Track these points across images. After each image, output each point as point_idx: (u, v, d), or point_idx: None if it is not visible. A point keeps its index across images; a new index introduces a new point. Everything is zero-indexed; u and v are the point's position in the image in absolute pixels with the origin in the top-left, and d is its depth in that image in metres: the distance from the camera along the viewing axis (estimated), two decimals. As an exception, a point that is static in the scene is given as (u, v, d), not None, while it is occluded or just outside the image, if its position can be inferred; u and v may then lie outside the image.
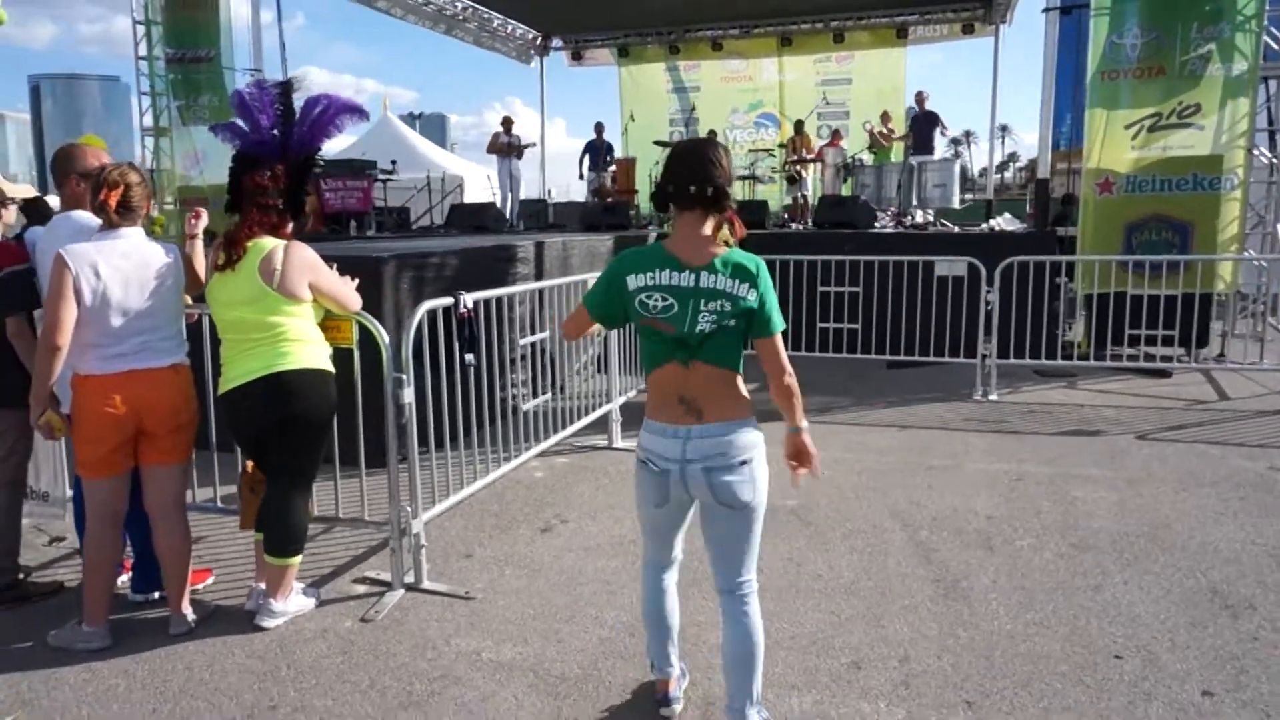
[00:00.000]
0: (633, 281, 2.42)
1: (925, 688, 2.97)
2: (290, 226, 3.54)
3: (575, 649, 3.28)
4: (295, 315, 3.40)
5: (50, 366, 3.09)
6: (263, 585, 3.52)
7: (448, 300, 4.08)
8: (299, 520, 3.51)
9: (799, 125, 13.54)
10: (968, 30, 14.98)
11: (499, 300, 4.77)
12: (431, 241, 7.56)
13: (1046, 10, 8.74)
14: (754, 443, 2.47)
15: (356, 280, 3.86)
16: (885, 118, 12.64)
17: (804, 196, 12.81)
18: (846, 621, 3.45)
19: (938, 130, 11.46)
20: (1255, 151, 8.48)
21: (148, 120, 11.57)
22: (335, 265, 3.74)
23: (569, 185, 24.62)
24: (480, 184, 19.76)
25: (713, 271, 2.36)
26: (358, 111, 3.64)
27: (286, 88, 3.61)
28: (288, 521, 3.47)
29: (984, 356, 7.43)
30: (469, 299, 4.13)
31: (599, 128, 14.11)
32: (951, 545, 4.21)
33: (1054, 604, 3.58)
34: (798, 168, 13.13)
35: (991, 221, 9.52)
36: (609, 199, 13.89)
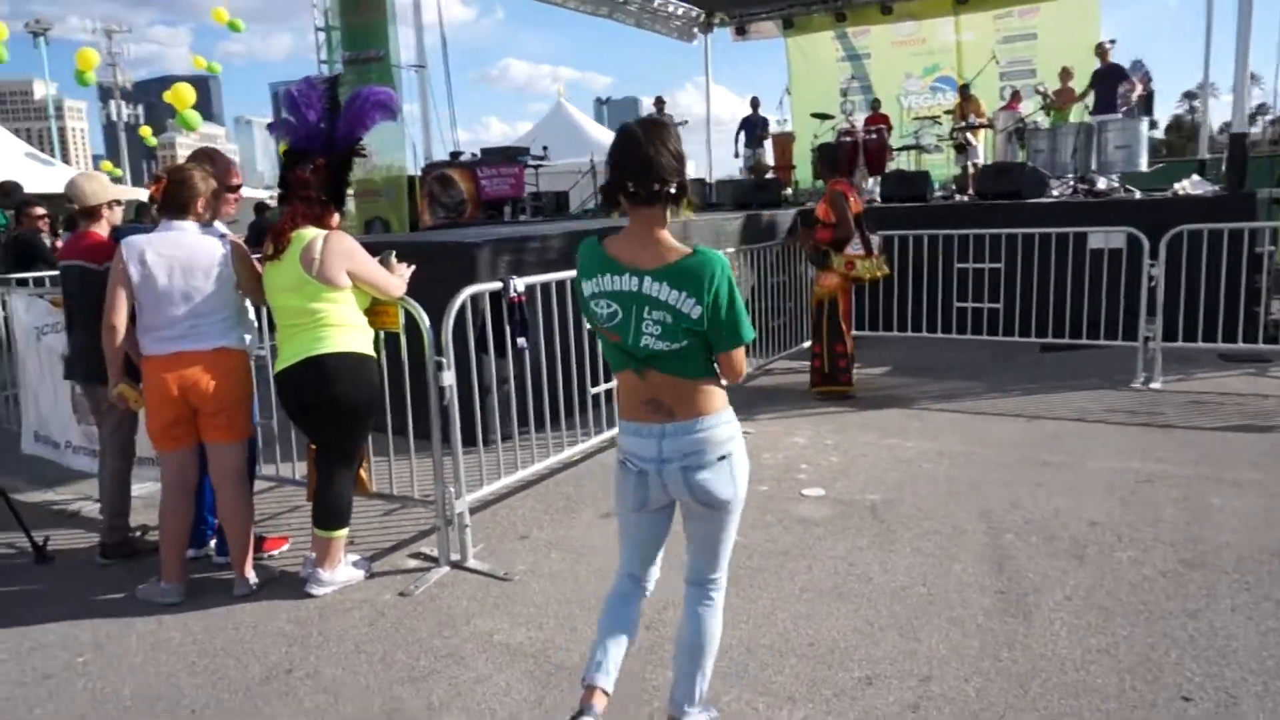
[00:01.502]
0: (587, 288, 2.30)
1: (934, 714, 2.67)
2: (335, 217, 3.70)
3: (584, 639, 3.23)
4: (336, 301, 3.55)
5: (111, 343, 3.44)
6: (313, 555, 3.74)
7: (495, 285, 4.11)
8: (342, 496, 3.68)
9: (964, 89, 12.56)
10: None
11: (559, 284, 4.76)
12: (553, 225, 7.69)
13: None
14: (731, 434, 2.32)
15: (413, 267, 3.98)
16: (1065, 75, 11.41)
17: (975, 165, 11.86)
18: (878, 631, 3.18)
19: (1123, 87, 10.18)
20: None
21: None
22: (393, 256, 3.89)
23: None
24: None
25: (656, 278, 2.16)
26: (389, 106, 3.74)
27: (333, 83, 3.76)
28: (330, 497, 3.66)
29: (1146, 339, 6.58)
30: (520, 283, 4.15)
31: (754, 103, 13.79)
32: (1036, 553, 3.77)
33: (1132, 628, 3.11)
34: (966, 134, 12.19)
35: (1178, 185, 8.35)
36: (766, 175, 13.61)
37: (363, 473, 3.98)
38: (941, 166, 13.02)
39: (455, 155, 11.85)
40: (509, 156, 11.49)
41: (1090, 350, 7.29)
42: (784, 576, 3.64)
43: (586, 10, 15.36)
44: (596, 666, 2.37)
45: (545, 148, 12.57)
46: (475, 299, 4.20)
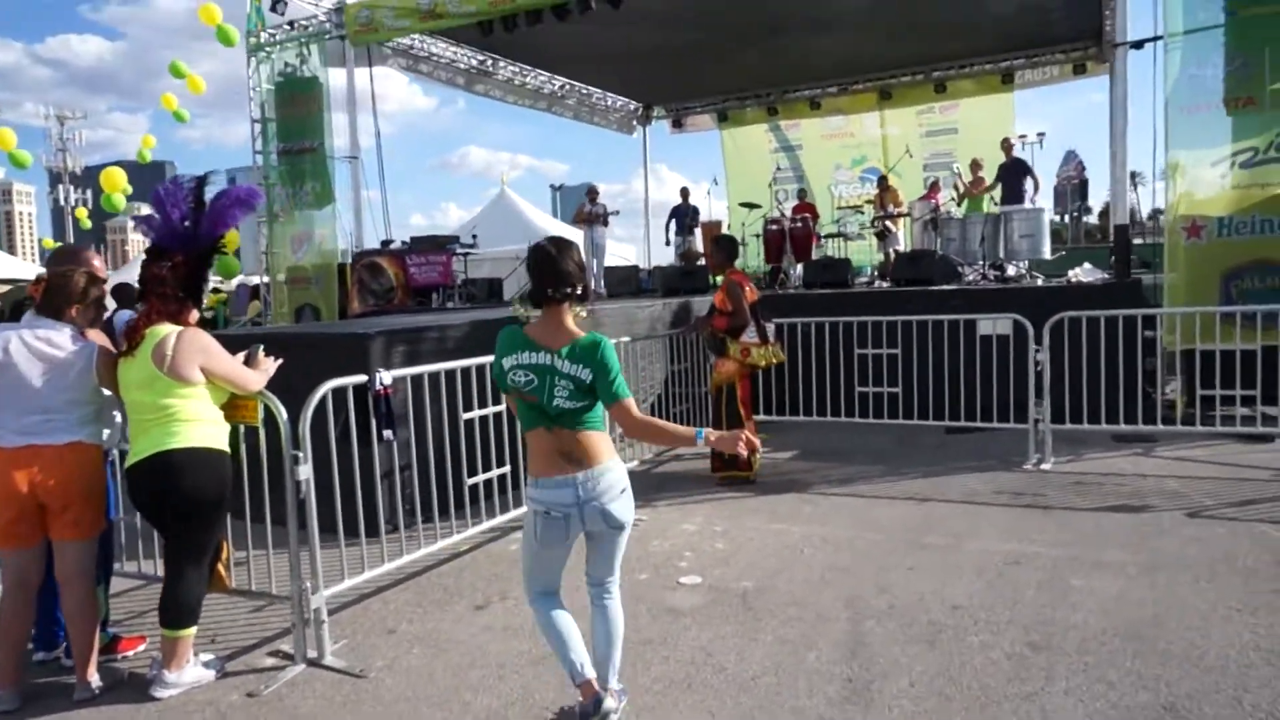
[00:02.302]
0: (506, 362, 2.95)
1: (749, 806, 2.66)
2: (193, 314, 3.75)
3: (422, 737, 3.19)
4: (188, 397, 3.58)
5: None
6: (160, 655, 3.66)
7: (360, 378, 4.17)
8: (190, 593, 3.63)
9: (882, 180, 13.11)
10: (1079, 70, 14.06)
11: (449, 374, 4.83)
12: (460, 315, 7.80)
13: (1116, 45, 8.08)
14: (624, 472, 3.03)
15: (280, 360, 4.03)
16: (975, 166, 11.98)
17: (896, 252, 12.31)
18: (716, 722, 3.18)
19: (1028, 179, 10.72)
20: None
21: (262, 207, 12.70)
22: (260, 350, 3.94)
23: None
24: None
25: (561, 356, 2.87)
26: (249, 203, 3.84)
27: (201, 181, 3.86)
28: (177, 594, 3.61)
29: (1036, 421, 6.78)
30: (387, 376, 4.21)
31: (684, 192, 14.23)
32: (892, 639, 3.81)
33: (966, 713, 3.14)
34: (886, 223, 12.68)
35: (1071, 272, 8.75)
36: (696, 261, 13.95)
37: (221, 568, 3.93)
38: (866, 254, 13.48)
39: (386, 243, 12.00)
40: (437, 244, 11.67)
41: (992, 432, 7.48)
42: (640, 667, 3.64)
43: (525, 104, 15.88)
44: (576, 666, 2.98)
45: (475, 235, 12.78)
46: (357, 389, 4.24)
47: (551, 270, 2.91)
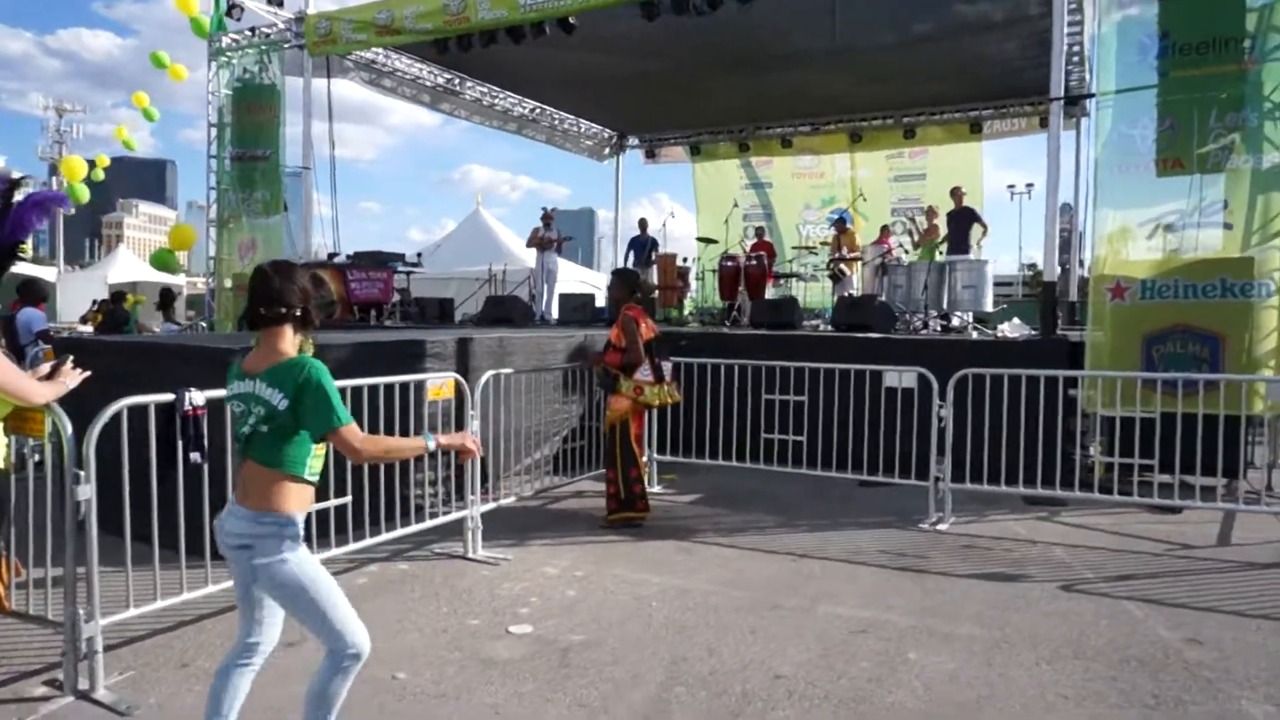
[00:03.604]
0: (227, 392, 2.82)
1: None
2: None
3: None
4: (-39, 407, 3.39)
5: None
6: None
7: (165, 397, 3.97)
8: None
9: (840, 222, 13.00)
10: (1045, 124, 13.99)
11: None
12: (358, 334, 7.64)
13: (1052, 100, 7.96)
14: (267, 534, 2.68)
15: (86, 374, 3.83)
16: (931, 213, 11.87)
17: (849, 295, 12.16)
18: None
19: (975, 228, 10.60)
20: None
21: (213, 213, 12.59)
22: (68, 362, 3.75)
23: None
24: (573, 276, 20.08)
25: (260, 379, 2.69)
26: (49, 208, 3.68)
27: (12, 185, 3.71)
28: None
29: (937, 480, 6.57)
30: (199, 396, 4.01)
31: (642, 224, 14.08)
32: (691, 711, 3.58)
33: (728, 800, 2.92)
34: (841, 266, 12.55)
35: (1001, 327, 8.59)
36: (652, 294, 13.80)
37: (0, 588, 3.73)
38: (821, 296, 13.35)
39: (332, 256, 11.87)
40: (379, 261, 11.54)
41: (904, 487, 7.25)
42: (418, 724, 3.41)
43: (494, 126, 15.82)
44: None
45: (419, 254, 12.63)
46: (162, 407, 4.05)
47: (265, 290, 2.74)
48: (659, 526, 6.42)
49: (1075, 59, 11.51)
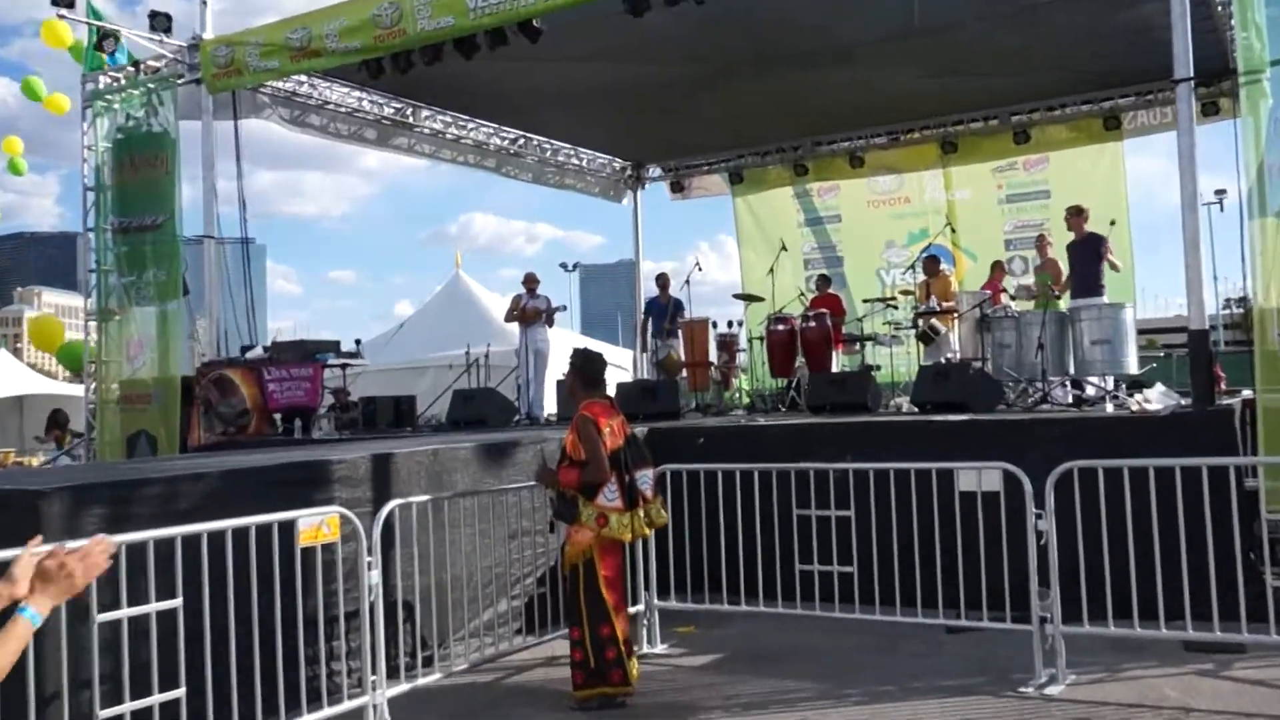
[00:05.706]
0: None
1: None
2: None
3: None
4: None
5: None
6: None
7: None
8: None
9: (930, 262, 12.82)
10: (1209, 112, 13.76)
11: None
12: (244, 456, 7.65)
13: (1176, 82, 7.77)
14: None
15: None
16: (1042, 246, 11.63)
17: (941, 362, 11.92)
18: None
19: (1104, 263, 10.30)
20: None
21: (91, 303, 12.93)
22: None
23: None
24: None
25: None
26: None
27: None
28: None
29: (1042, 620, 6.22)
30: None
31: (663, 282, 14.05)
32: None
33: None
34: (932, 322, 12.30)
35: (1138, 397, 8.21)
36: (678, 375, 13.73)
37: None
38: (906, 363, 13.12)
39: (245, 350, 12.03)
40: (304, 354, 11.66)
41: (999, 633, 6.89)
42: None
43: (466, 163, 16.16)
44: None
45: (358, 341, 12.76)
46: None
47: None
48: (648, 705, 6.20)
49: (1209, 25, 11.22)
